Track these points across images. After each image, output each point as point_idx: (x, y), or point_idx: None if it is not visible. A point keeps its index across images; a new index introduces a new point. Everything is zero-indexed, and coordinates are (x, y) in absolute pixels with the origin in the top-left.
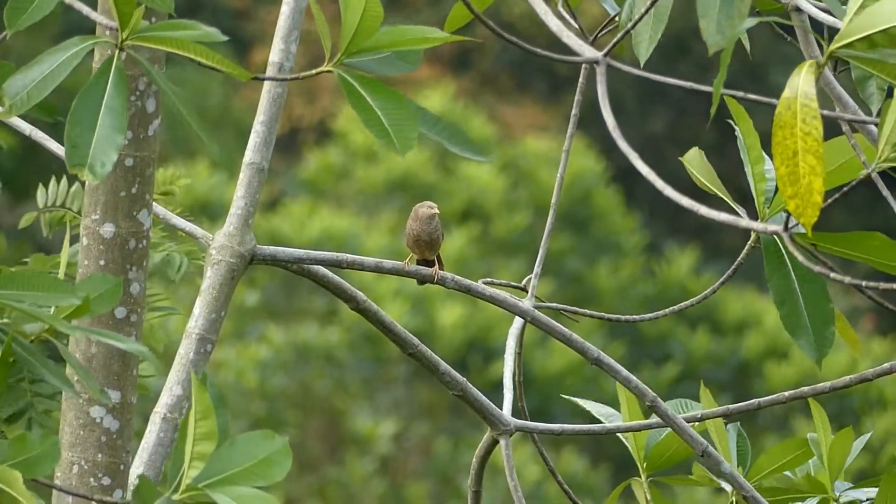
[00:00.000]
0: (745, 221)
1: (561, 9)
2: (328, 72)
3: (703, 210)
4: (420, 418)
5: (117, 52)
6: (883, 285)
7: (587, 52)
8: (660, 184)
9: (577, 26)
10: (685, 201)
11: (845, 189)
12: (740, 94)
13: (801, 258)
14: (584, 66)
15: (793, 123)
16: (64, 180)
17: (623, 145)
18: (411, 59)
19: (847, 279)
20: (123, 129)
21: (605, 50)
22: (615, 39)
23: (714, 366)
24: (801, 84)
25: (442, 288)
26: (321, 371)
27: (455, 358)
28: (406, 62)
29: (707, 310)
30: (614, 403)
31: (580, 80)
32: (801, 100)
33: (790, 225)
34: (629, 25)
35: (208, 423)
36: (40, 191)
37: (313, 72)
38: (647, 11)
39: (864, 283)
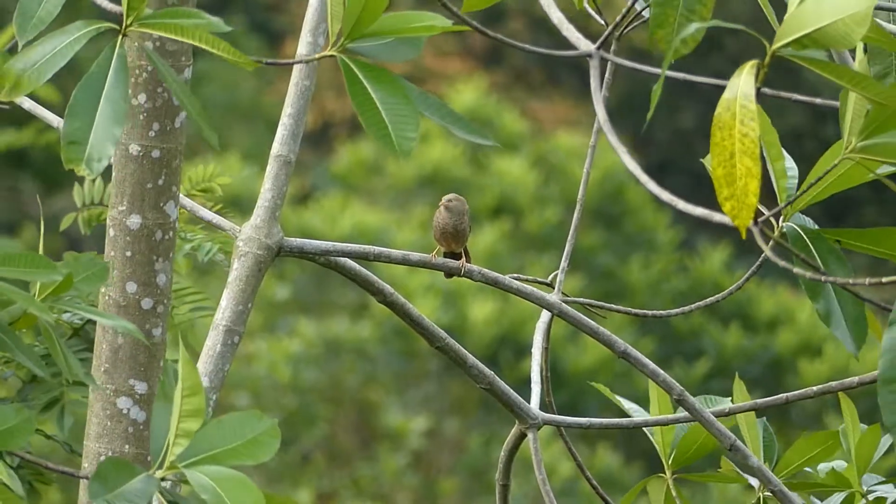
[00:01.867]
0: (717, 216)
1: (586, 5)
2: (330, 56)
3: (681, 204)
4: (452, 413)
5: (120, 38)
6: (870, 280)
7: (582, 45)
8: (643, 178)
9: (602, 22)
10: (665, 195)
11: (821, 175)
12: (680, 76)
13: (768, 253)
14: (610, 63)
15: (731, 125)
16: (99, 178)
17: (612, 139)
18: (414, 45)
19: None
20: (122, 121)
21: (598, 43)
22: (605, 33)
23: (746, 362)
24: (742, 85)
25: (473, 284)
26: (352, 365)
27: (486, 354)
28: (409, 48)
29: (739, 306)
30: (645, 400)
31: (606, 75)
32: (740, 101)
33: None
34: (618, 18)
35: (195, 401)
36: (76, 190)
37: (315, 56)
38: (632, 5)
39: (850, 281)
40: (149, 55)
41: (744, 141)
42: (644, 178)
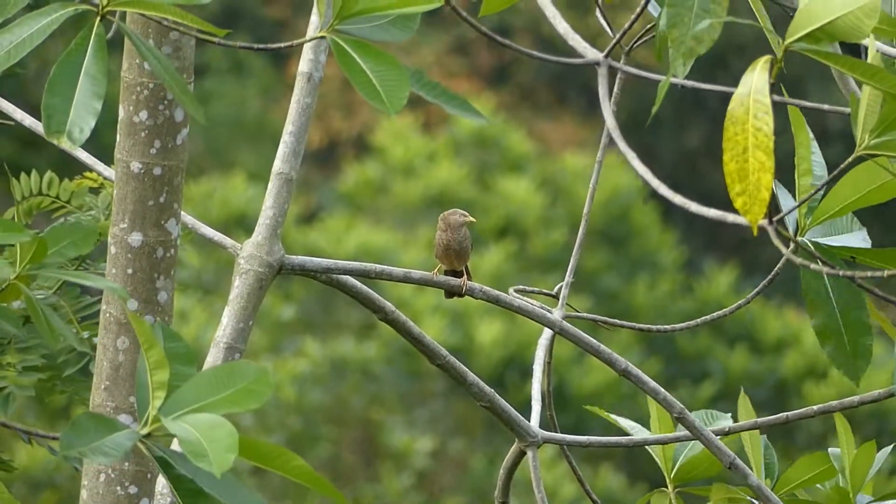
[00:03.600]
0: (732, 217)
1: (599, 15)
2: (321, 38)
3: (694, 206)
4: (456, 433)
5: (98, 19)
6: (872, 273)
7: (590, 54)
8: (655, 182)
9: (611, 34)
10: (678, 199)
11: (835, 173)
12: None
13: (785, 251)
14: (619, 77)
15: (745, 119)
16: (34, 173)
17: (622, 145)
18: (405, 26)
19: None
20: (101, 96)
21: (606, 51)
22: (614, 40)
23: (752, 385)
24: (755, 80)
25: (479, 305)
26: (357, 385)
27: (493, 375)
28: (400, 28)
29: (746, 328)
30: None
31: (615, 89)
32: (753, 95)
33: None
34: (626, 26)
35: (156, 351)
36: (14, 185)
37: (305, 39)
38: (641, 11)
39: (856, 275)
40: (126, 33)
41: (757, 135)
42: (655, 182)
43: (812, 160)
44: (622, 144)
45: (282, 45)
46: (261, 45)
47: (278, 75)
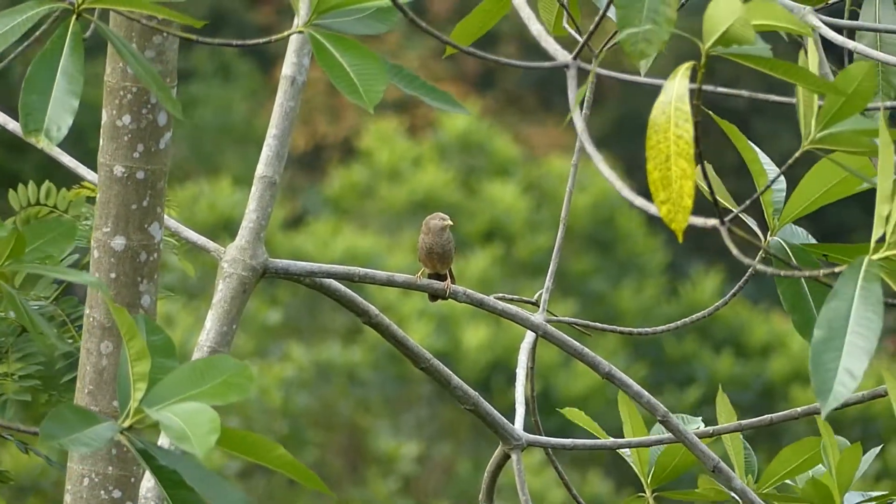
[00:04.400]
0: (692, 219)
1: (566, 24)
2: (299, 32)
3: (639, 201)
4: (442, 438)
5: (73, 18)
6: (824, 270)
7: (560, 56)
8: (619, 184)
9: (579, 38)
10: (639, 201)
11: (782, 169)
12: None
13: (735, 251)
14: (590, 81)
15: (666, 127)
16: (31, 184)
17: (590, 148)
18: (384, 19)
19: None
20: (78, 94)
21: (574, 53)
22: (581, 43)
23: (739, 389)
24: (676, 87)
25: (466, 309)
26: (344, 390)
27: (479, 379)
28: (379, 21)
29: (732, 332)
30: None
31: (587, 94)
32: (675, 103)
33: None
34: (591, 28)
35: (138, 342)
36: (12, 196)
37: (284, 34)
38: (603, 14)
39: (820, 273)
40: (100, 29)
41: (678, 143)
42: (619, 184)
43: (761, 161)
44: (590, 147)
45: (260, 40)
46: (239, 42)
47: (264, 80)
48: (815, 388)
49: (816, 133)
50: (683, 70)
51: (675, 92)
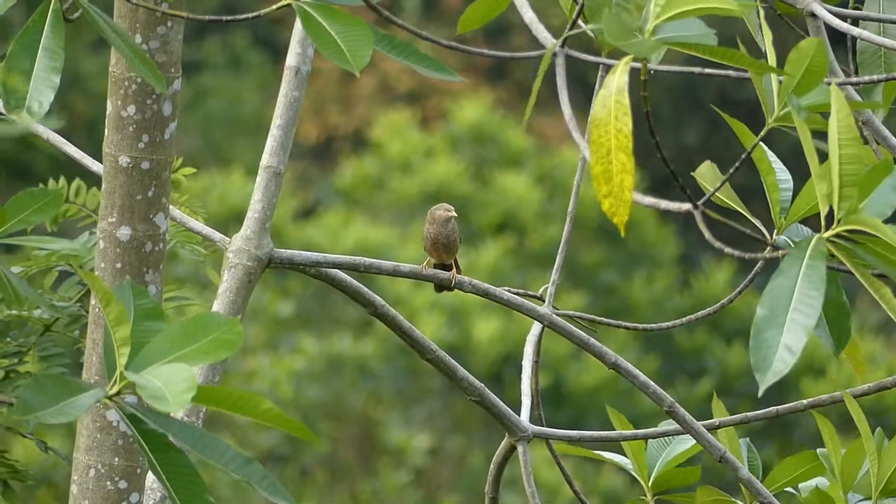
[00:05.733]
0: (665, 203)
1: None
2: (286, 5)
3: (636, 196)
4: (454, 430)
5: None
6: (778, 253)
7: (549, 44)
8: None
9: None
10: (635, 196)
11: (737, 164)
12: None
13: (707, 235)
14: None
15: (608, 121)
16: (63, 178)
17: (577, 136)
18: None
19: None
20: (59, 70)
21: (560, 40)
22: (567, 30)
23: (750, 381)
24: (616, 81)
25: (477, 301)
26: (355, 382)
27: (490, 372)
28: None
29: (744, 324)
30: (646, 418)
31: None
32: (615, 97)
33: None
34: (574, 16)
35: (114, 308)
36: None
37: (273, 7)
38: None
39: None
40: (82, 6)
41: (618, 137)
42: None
43: (769, 159)
44: (577, 135)
45: (249, 15)
46: (229, 17)
47: (275, 71)
48: (754, 365)
49: (780, 111)
50: (623, 64)
51: (616, 86)
